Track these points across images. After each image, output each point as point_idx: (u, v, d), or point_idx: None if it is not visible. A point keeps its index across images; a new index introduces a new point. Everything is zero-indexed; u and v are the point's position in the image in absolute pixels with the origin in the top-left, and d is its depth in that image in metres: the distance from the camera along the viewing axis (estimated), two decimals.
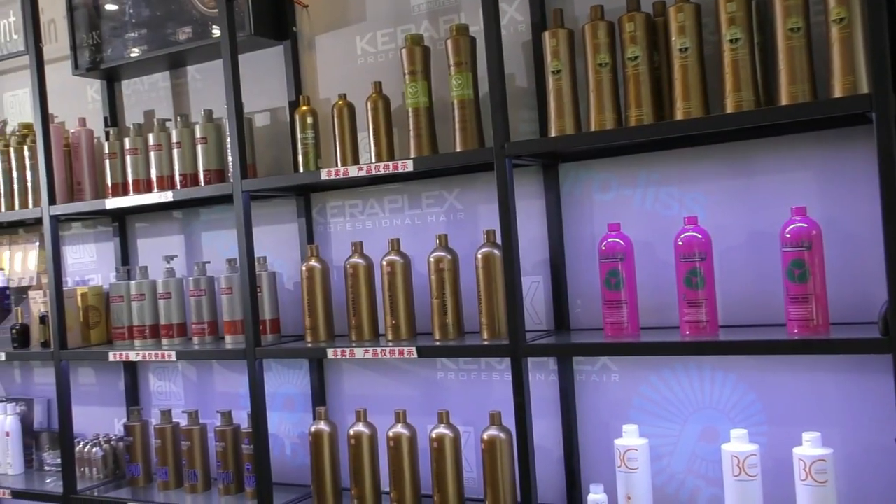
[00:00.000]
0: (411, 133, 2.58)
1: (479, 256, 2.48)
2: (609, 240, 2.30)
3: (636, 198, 2.48)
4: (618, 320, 2.28)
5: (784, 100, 2.03)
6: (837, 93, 1.97)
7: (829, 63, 2.00)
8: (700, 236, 2.19)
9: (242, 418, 3.00)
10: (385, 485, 2.66)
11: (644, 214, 2.46)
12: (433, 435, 2.53)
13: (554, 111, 2.34)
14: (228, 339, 2.92)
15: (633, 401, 2.50)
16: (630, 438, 2.31)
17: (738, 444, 2.16)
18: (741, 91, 2.08)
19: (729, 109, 2.09)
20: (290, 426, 3.11)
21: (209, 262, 3.10)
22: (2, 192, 3.39)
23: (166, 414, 3.14)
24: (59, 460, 3.29)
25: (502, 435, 2.45)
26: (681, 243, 2.20)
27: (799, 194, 2.24)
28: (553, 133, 2.34)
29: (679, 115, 2.16)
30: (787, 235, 2.06)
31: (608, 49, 2.27)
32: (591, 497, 2.34)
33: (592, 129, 2.28)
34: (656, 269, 2.41)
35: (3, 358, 3.30)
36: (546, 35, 2.35)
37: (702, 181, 2.38)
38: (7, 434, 3.47)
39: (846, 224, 2.19)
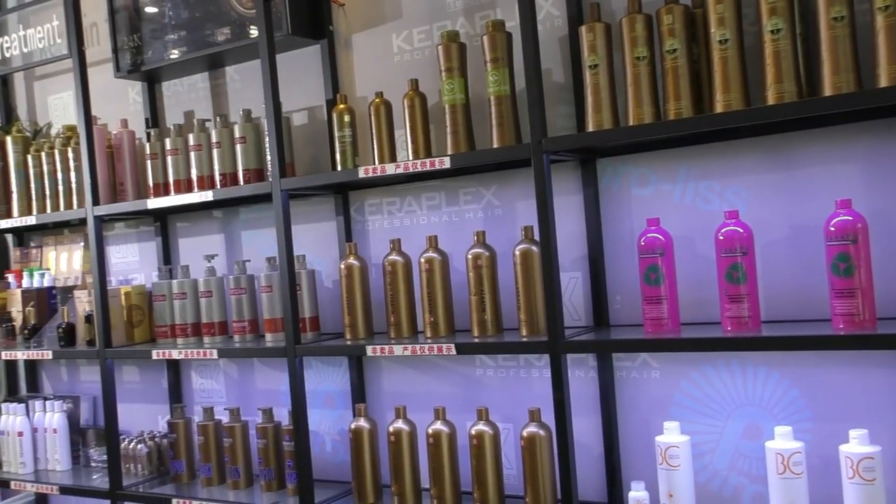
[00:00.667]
0: (448, 130, 2.58)
1: (518, 253, 2.47)
2: (648, 235, 2.28)
3: (675, 192, 2.45)
4: (658, 316, 2.26)
5: (827, 90, 1.99)
6: (883, 82, 1.93)
7: (875, 52, 1.95)
8: (741, 230, 2.16)
9: (283, 415, 3.02)
10: (425, 481, 2.67)
11: (684, 209, 2.43)
12: (472, 432, 2.53)
13: (591, 106, 2.32)
14: (269, 336, 2.95)
15: (674, 397, 2.47)
16: (671, 435, 2.29)
17: (783, 441, 2.13)
18: (783, 82, 2.04)
19: (770, 101, 2.06)
20: (330, 423, 3.13)
21: (249, 261, 3.13)
22: (47, 193, 3.46)
23: (209, 411, 3.18)
24: (105, 457, 3.35)
25: (542, 432, 2.44)
26: (721, 238, 2.17)
27: (843, 187, 2.19)
28: (591, 128, 2.32)
29: (719, 108, 2.13)
30: (832, 229, 2.02)
31: (646, 42, 2.25)
32: (632, 494, 2.32)
33: (630, 123, 2.26)
34: (696, 264, 2.38)
35: (51, 356, 3.37)
36: (583, 29, 2.33)
37: (743, 175, 2.35)
38: (55, 431, 3.54)
39: (893, 216, 2.14)
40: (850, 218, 2.01)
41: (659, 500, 2.30)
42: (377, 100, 2.75)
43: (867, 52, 1.98)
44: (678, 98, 2.20)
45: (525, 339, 2.44)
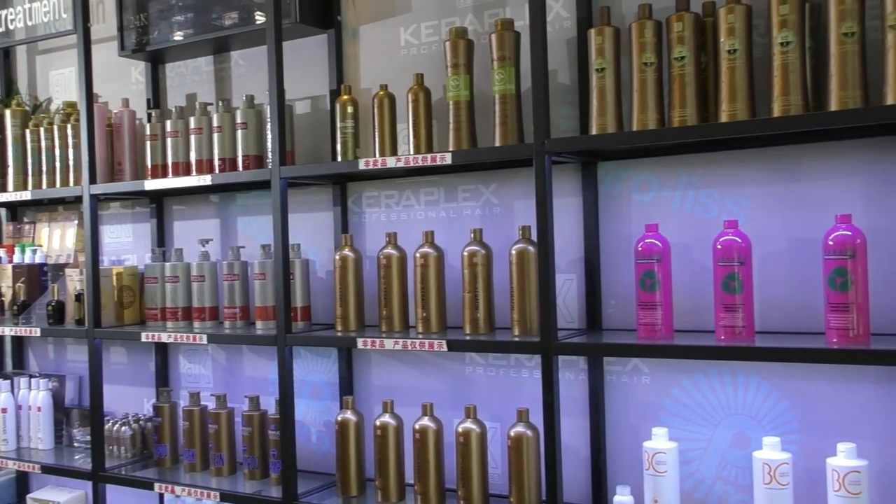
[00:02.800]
0: (451, 126, 2.57)
1: (514, 252, 2.47)
2: (646, 240, 2.28)
3: (675, 199, 2.45)
4: (651, 322, 2.26)
5: (834, 105, 2.00)
6: (890, 100, 1.94)
7: (883, 69, 1.96)
8: (740, 240, 2.16)
9: (270, 404, 3.01)
10: (410, 477, 2.66)
11: (683, 216, 2.43)
12: (459, 429, 2.53)
13: (596, 109, 2.32)
14: (259, 324, 2.94)
15: (663, 403, 2.48)
16: (659, 441, 2.29)
17: (770, 451, 2.13)
18: (790, 95, 2.05)
19: (776, 113, 2.06)
20: (316, 414, 3.12)
21: (244, 247, 3.12)
22: (44, 169, 3.43)
23: (195, 396, 3.16)
24: (88, 437, 3.33)
25: (529, 432, 2.44)
26: (720, 247, 2.18)
27: (844, 202, 2.20)
28: (594, 131, 2.32)
29: (724, 118, 2.13)
30: (830, 243, 2.03)
31: (654, 48, 2.25)
32: (617, 499, 2.32)
33: (634, 128, 2.27)
34: (693, 271, 2.38)
35: (38, 334, 3.35)
36: (592, 32, 2.33)
37: (744, 185, 2.35)
38: (39, 409, 3.52)
39: (892, 233, 2.15)
40: (850, 233, 2.02)
41: None
42: (381, 92, 2.75)
43: (876, 69, 1.99)
44: (683, 105, 2.20)
45: (517, 339, 2.44)
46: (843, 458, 2.04)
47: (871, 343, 2.00)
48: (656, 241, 2.28)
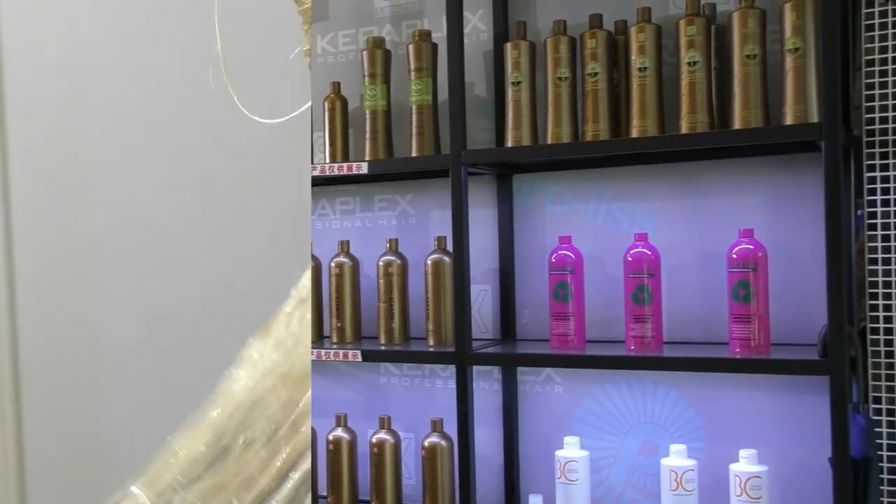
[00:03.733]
0: (367, 135, 2.57)
1: (429, 263, 2.48)
2: (559, 252, 2.32)
3: (588, 212, 2.50)
4: (564, 332, 2.30)
5: (737, 124, 2.08)
6: (789, 120, 2.03)
7: (783, 91, 2.05)
8: (649, 253, 2.22)
9: None
10: (323, 489, 2.63)
11: (595, 229, 2.49)
12: (373, 440, 2.52)
13: (511, 122, 2.36)
14: None
15: (575, 413, 2.52)
16: (571, 450, 2.33)
17: (677, 458, 2.19)
18: (696, 113, 2.12)
19: (684, 130, 2.13)
20: None
21: None
22: None
23: None
24: None
25: (443, 442, 2.44)
26: (630, 259, 2.23)
27: (747, 216, 2.29)
28: (509, 143, 2.35)
29: (635, 133, 2.19)
30: (734, 256, 2.11)
31: (568, 64, 2.30)
32: None
33: (549, 141, 2.30)
34: (605, 283, 2.43)
35: None
36: (508, 46, 2.37)
37: (654, 199, 2.42)
38: None
39: (792, 248, 2.25)
40: (752, 247, 2.10)
41: None
42: None
43: (776, 90, 2.08)
44: (596, 120, 2.25)
45: (432, 350, 2.44)
46: (745, 464, 2.11)
47: (771, 353, 2.08)
48: (569, 253, 2.32)
